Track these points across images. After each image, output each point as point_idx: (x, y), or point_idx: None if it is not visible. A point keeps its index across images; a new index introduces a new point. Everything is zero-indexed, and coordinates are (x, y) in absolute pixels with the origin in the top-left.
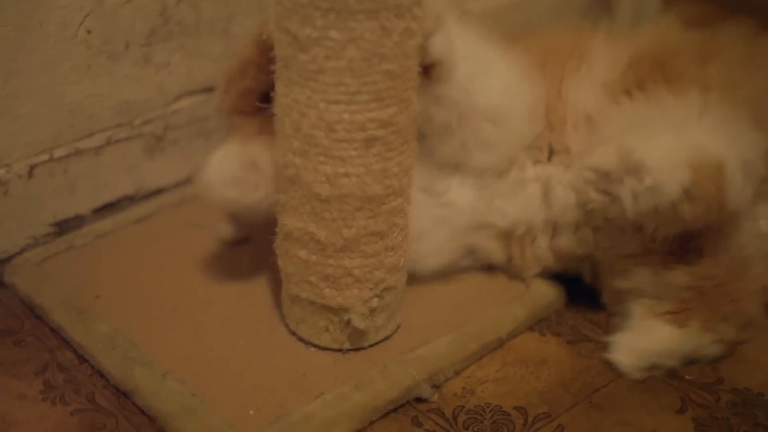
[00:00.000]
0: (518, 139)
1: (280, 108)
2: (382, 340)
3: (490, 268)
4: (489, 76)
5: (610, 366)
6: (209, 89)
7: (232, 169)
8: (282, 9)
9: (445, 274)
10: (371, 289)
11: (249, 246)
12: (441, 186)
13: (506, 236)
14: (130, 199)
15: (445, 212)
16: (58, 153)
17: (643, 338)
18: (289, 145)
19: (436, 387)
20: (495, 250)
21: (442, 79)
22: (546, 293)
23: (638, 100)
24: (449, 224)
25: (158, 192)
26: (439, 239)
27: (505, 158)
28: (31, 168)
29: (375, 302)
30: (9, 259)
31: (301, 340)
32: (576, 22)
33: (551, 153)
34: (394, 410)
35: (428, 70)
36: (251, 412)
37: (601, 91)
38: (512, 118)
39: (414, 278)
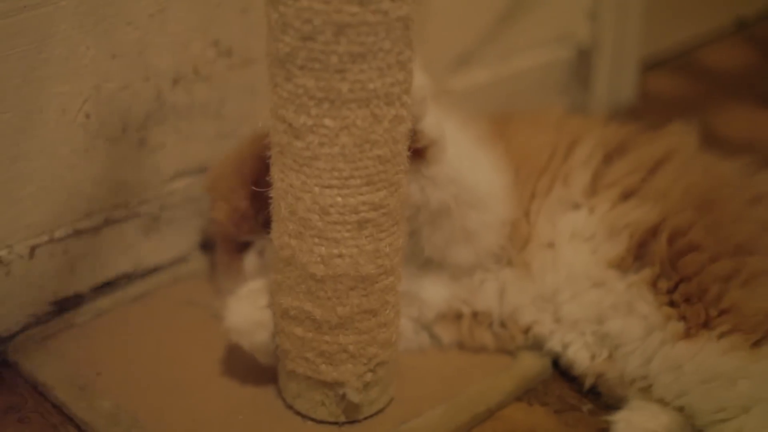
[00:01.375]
0: (494, 234)
1: (275, 192)
2: (376, 413)
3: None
4: (473, 160)
5: None
6: (203, 169)
7: (253, 314)
8: (278, 98)
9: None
10: (365, 364)
11: None
12: (414, 287)
13: (458, 317)
14: (128, 278)
15: (414, 310)
16: (58, 234)
17: (645, 419)
18: (285, 227)
19: None
20: (448, 335)
21: (436, 159)
22: (532, 364)
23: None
24: (417, 319)
25: (155, 270)
26: (407, 330)
27: (481, 255)
28: (32, 249)
29: (369, 377)
30: (11, 337)
31: (298, 413)
32: (554, 100)
33: (509, 263)
34: None
35: (422, 153)
36: None
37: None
38: (494, 206)
39: None
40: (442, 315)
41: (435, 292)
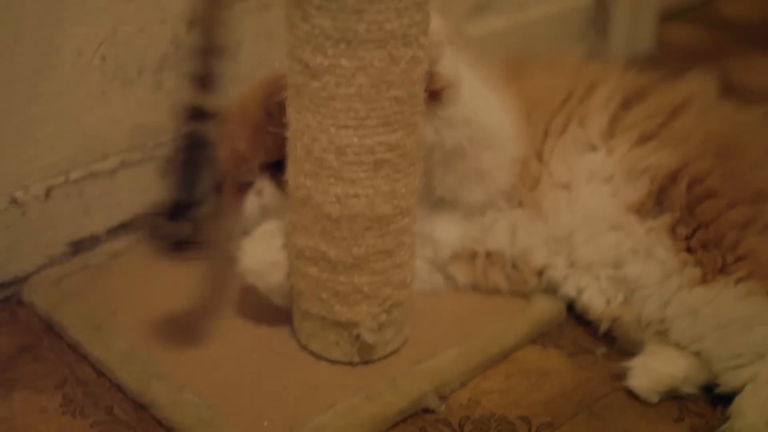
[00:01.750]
0: (506, 173)
1: (291, 132)
2: (390, 354)
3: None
4: (487, 101)
5: (609, 377)
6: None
7: (268, 255)
8: (294, 38)
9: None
10: (380, 304)
11: None
12: (427, 228)
13: (472, 257)
14: (143, 220)
15: (428, 251)
16: (74, 175)
17: (662, 363)
18: (301, 167)
19: (443, 398)
20: (463, 275)
21: (452, 100)
22: (547, 308)
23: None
24: (431, 260)
25: None
26: (421, 271)
27: (492, 194)
28: (48, 190)
29: (383, 317)
30: (27, 278)
31: (312, 354)
32: (571, 48)
33: (520, 203)
34: (403, 421)
35: (438, 95)
36: (265, 423)
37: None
38: (506, 145)
39: None
40: (457, 255)
41: (448, 232)
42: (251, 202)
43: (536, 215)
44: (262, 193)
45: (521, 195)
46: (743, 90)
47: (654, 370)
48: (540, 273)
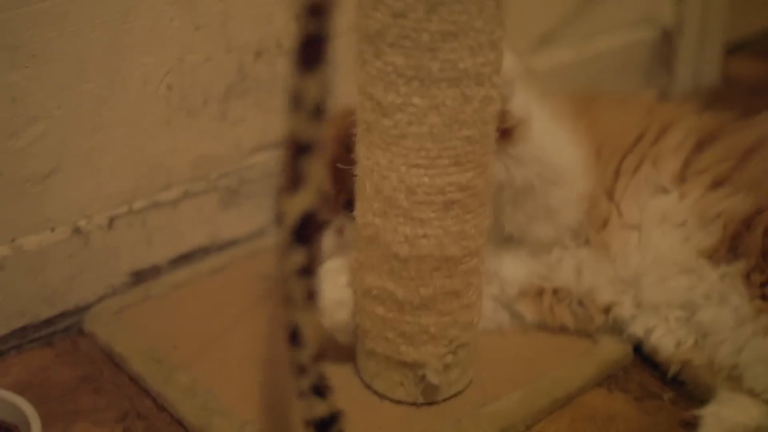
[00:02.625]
0: (574, 210)
1: (361, 170)
2: (454, 395)
3: (562, 330)
4: (556, 137)
5: (677, 423)
6: (282, 144)
7: (333, 293)
8: (366, 75)
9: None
10: (446, 345)
11: None
12: (493, 265)
13: (539, 294)
14: (205, 251)
15: (494, 288)
16: (137, 205)
17: (734, 412)
18: (369, 206)
19: None
20: (530, 312)
21: (522, 138)
22: (613, 350)
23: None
24: (497, 297)
25: (232, 243)
26: (486, 309)
27: (561, 231)
28: (111, 220)
29: (449, 358)
30: (88, 307)
31: (376, 393)
32: (636, 81)
33: (587, 242)
34: None
35: (508, 133)
36: None
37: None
38: (575, 181)
39: None
40: (524, 292)
41: (515, 269)
42: (330, 241)
43: (603, 255)
44: (343, 231)
45: (588, 234)
46: None
47: (726, 419)
48: (607, 310)
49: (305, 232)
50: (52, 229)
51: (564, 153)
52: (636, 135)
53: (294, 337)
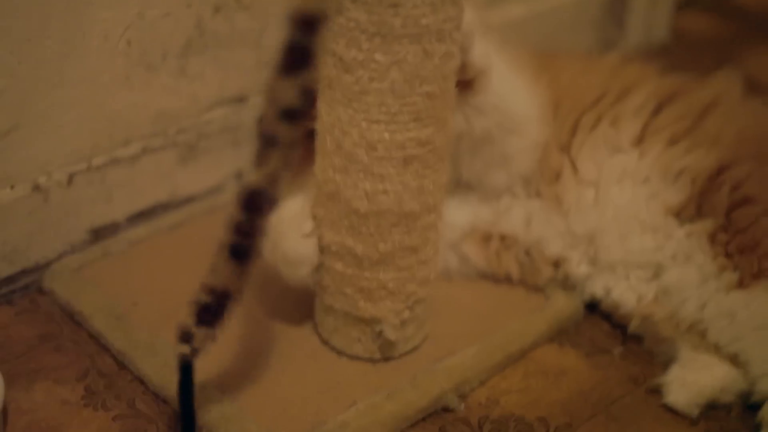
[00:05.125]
0: (529, 158)
1: (321, 125)
2: (411, 351)
3: (507, 280)
4: (514, 86)
5: (626, 378)
6: (241, 99)
7: (303, 252)
8: (328, 31)
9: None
10: (403, 301)
11: None
12: None
13: (486, 239)
14: (164, 207)
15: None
16: (97, 161)
17: (699, 375)
18: (330, 161)
19: (463, 397)
20: (476, 255)
21: (483, 88)
22: (565, 306)
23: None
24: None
25: (191, 200)
26: None
27: (514, 178)
28: (71, 176)
29: (406, 314)
30: (47, 265)
31: (333, 349)
32: (587, 36)
33: (538, 194)
34: (423, 419)
35: (469, 83)
36: (288, 420)
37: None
38: (531, 130)
39: None
40: (470, 234)
41: (460, 214)
42: None
43: (555, 208)
44: None
45: (539, 186)
46: (760, 83)
47: (692, 383)
48: (555, 264)
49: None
50: (12, 187)
51: (521, 101)
52: (597, 94)
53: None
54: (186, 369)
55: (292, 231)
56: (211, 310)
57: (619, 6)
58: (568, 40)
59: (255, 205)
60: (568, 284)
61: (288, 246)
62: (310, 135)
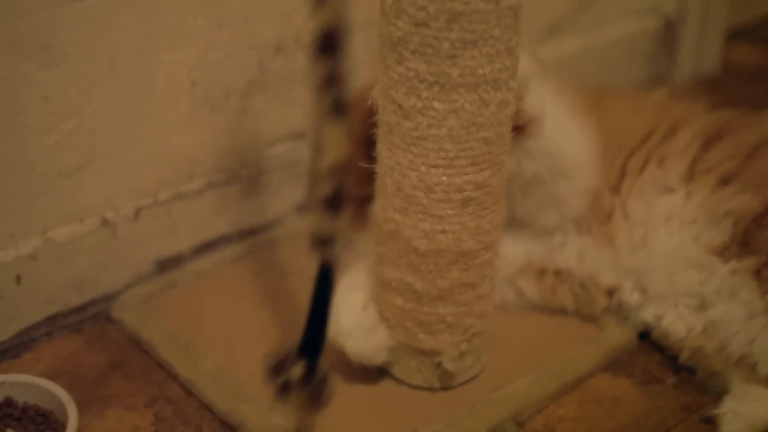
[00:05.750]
0: (580, 201)
1: (382, 168)
2: (469, 380)
3: (562, 312)
4: (567, 131)
5: (680, 407)
6: (301, 135)
7: (355, 327)
8: (388, 79)
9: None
10: (462, 334)
11: None
12: None
13: (541, 273)
14: (227, 239)
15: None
16: (162, 196)
17: (753, 407)
18: (390, 202)
19: (520, 425)
20: (531, 289)
21: (535, 133)
22: (619, 336)
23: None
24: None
25: (253, 232)
26: None
27: (565, 219)
28: (138, 210)
29: (465, 346)
30: (116, 295)
31: (394, 378)
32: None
33: (589, 232)
34: None
35: (521, 129)
36: None
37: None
38: (583, 174)
39: None
40: (525, 269)
41: (515, 249)
42: None
43: (606, 247)
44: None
45: (591, 226)
46: None
47: (746, 414)
48: (609, 293)
49: (329, 44)
50: (82, 221)
51: (574, 146)
52: (644, 133)
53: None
54: (325, 275)
55: (357, 329)
56: (333, 199)
57: (669, 39)
58: (620, 74)
59: (331, 46)
60: (621, 314)
61: (352, 348)
62: (361, 202)
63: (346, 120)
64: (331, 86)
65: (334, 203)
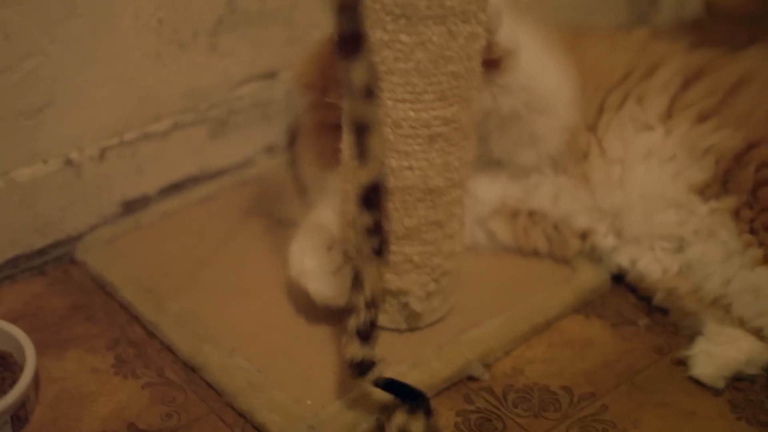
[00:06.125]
0: (557, 138)
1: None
2: (436, 322)
3: (535, 254)
4: (544, 66)
5: (651, 348)
6: (271, 75)
7: (319, 268)
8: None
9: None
10: (429, 274)
11: None
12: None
13: (514, 215)
14: (194, 181)
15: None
16: (128, 137)
17: (724, 348)
18: None
19: (487, 366)
20: (502, 231)
21: (510, 68)
22: (592, 277)
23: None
24: (471, 213)
25: (221, 173)
26: None
27: (542, 158)
28: (103, 151)
29: (432, 286)
30: (80, 237)
31: None
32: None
33: (565, 171)
34: (447, 388)
35: (496, 63)
36: (313, 388)
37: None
38: (561, 111)
39: None
40: (498, 211)
41: (490, 190)
42: None
43: (582, 186)
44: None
45: (567, 165)
46: None
47: (717, 355)
48: (583, 236)
49: (372, 199)
50: (45, 161)
51: (551, 83)
52: (623, 72)
53: (356, 281)
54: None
55: (321, 270)
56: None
57: None
58: (601, 15)
59: (373, 201)
60: (595, 256)
61: (315, 289)
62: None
63: (384, 261)
64: (373, 234)
65: (368, 333)
